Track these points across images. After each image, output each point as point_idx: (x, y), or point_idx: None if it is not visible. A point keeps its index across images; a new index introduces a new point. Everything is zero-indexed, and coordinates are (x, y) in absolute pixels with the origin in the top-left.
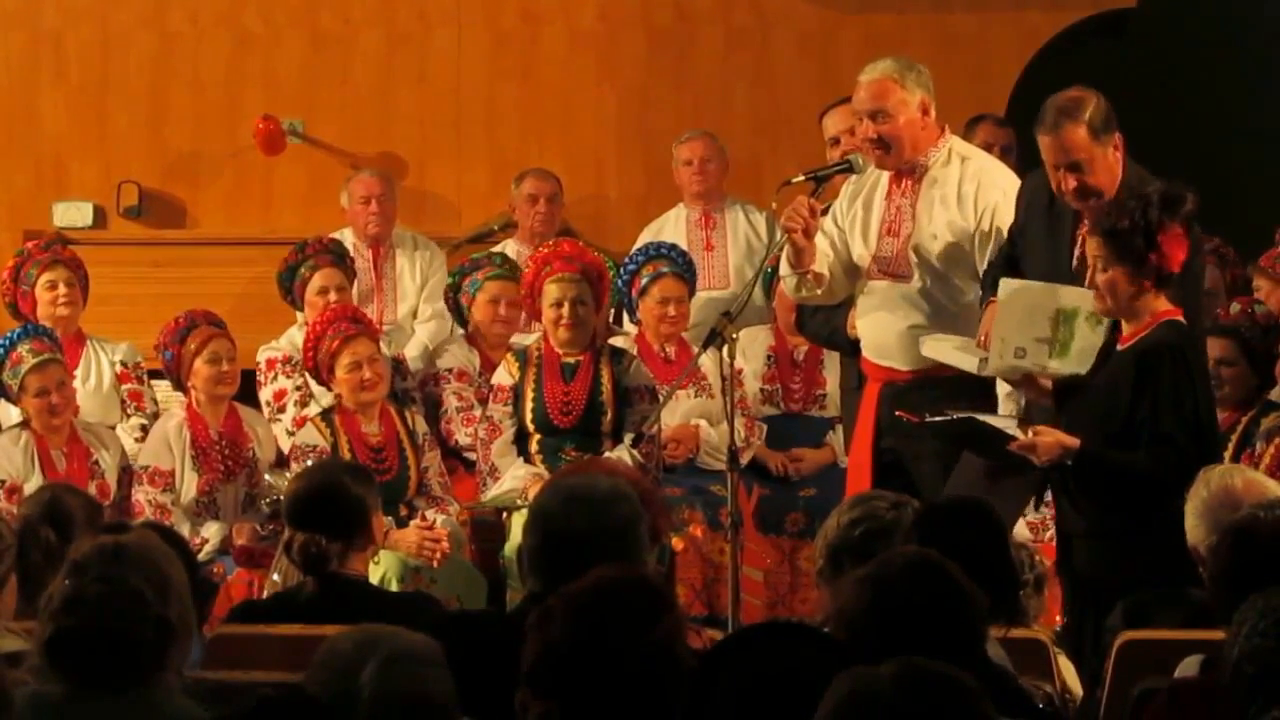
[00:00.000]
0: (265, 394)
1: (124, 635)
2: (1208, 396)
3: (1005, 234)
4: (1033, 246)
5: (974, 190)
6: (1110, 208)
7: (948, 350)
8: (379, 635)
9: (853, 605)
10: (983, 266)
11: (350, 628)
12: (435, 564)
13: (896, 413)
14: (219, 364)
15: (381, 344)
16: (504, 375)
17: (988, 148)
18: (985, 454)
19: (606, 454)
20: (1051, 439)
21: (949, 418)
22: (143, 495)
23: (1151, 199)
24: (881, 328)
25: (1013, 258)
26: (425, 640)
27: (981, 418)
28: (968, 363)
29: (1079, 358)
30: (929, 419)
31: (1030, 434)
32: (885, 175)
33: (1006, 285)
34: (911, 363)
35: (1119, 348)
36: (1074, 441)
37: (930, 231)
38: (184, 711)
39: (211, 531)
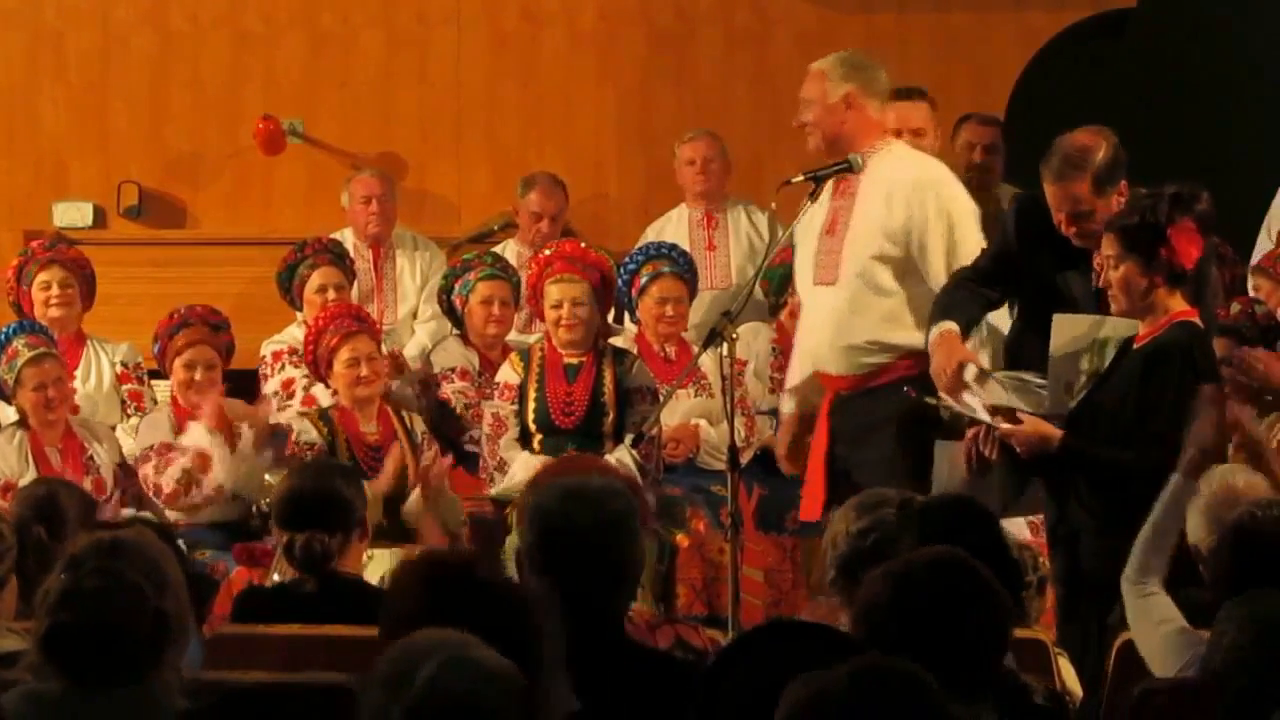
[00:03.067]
0: (273, 384)
1: (122, 628)
2: None
3: (925, 245)
4: (1041, 276)
5: (903, 199)
6: (1124, 207)
7: (998, 393)
8: (455, 643)
9: (874, 599)
10: (891, 274)
11: (441, 630)
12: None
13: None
14: (192, 370)
15: (382, 344)
16: (509, 373)
17: (970, 147)
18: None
19: (607, 454)
20: (1030, 429)
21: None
22: (149, 469)
23: (1163, 195)
24: (817, 335)
25: (989, 274)
26: (503, 662)
27: (961, 409)
28: (1034, 403)
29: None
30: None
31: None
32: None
33: (1060, 320)
34: (846, 369)
35: (1134, 346)
36: (1056, 432)
37: (856, 236)
38: (182, 710)
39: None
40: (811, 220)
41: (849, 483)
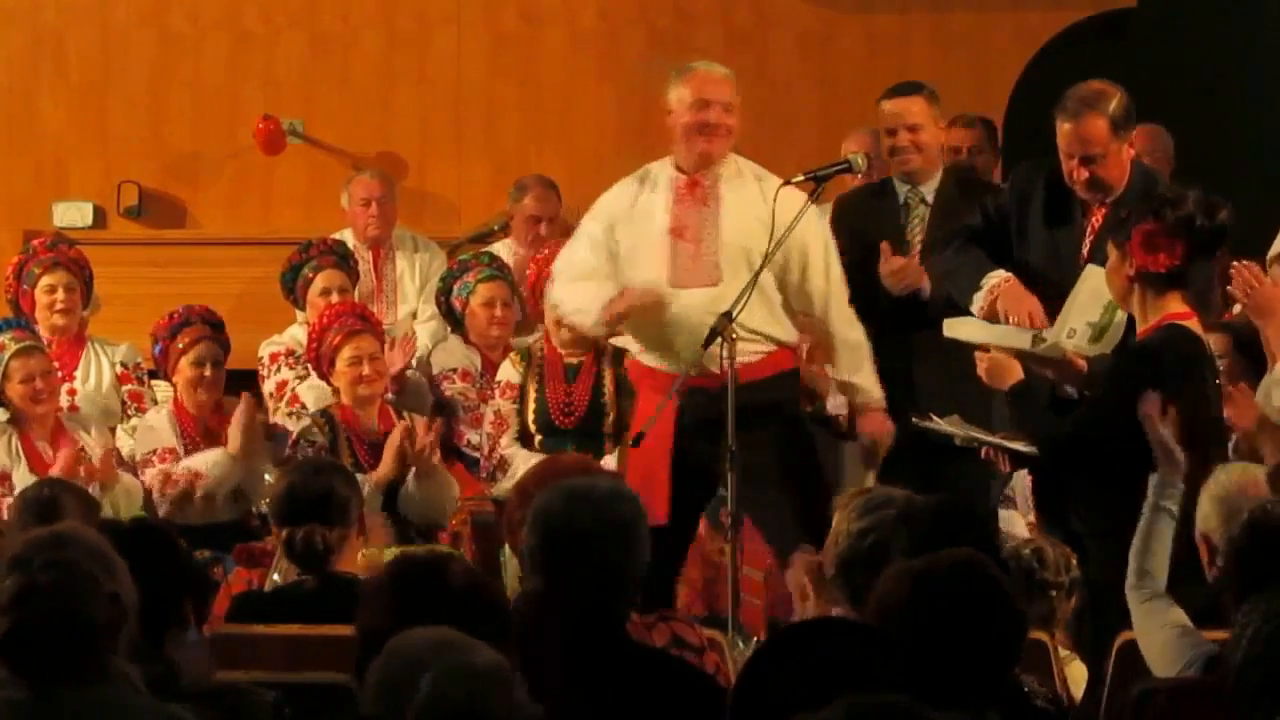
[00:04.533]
0: (268, 386)
1: (84, 618)
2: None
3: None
4: (1032, 235)
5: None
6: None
7: (982, 330)
8: (445, 643)
9: (893, 597)
10: (770, 271)
11: (427, 630)
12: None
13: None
14: (203, 367)
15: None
16: (510, 372)
17: (956, 151)
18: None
19: (607, 454)
20: (1001, 356)
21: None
22: (153, 474)
23: (1154, 196)
24: (691, 336)
25: (982, 235)
26: (493, 654)
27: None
28: (1019, 339)
29: (1108, 340)
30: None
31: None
32: (669, 183)
33: (1093, 270)
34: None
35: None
36: (1019, 370)
37: (738, 235)
38: (152, 708)
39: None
40: (635, 225)
41: (712, 475)
